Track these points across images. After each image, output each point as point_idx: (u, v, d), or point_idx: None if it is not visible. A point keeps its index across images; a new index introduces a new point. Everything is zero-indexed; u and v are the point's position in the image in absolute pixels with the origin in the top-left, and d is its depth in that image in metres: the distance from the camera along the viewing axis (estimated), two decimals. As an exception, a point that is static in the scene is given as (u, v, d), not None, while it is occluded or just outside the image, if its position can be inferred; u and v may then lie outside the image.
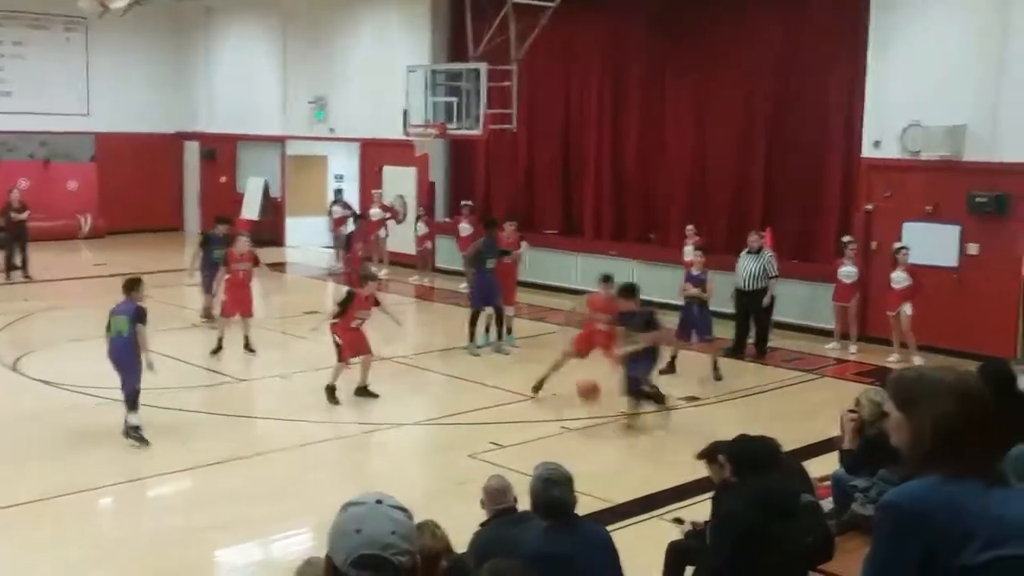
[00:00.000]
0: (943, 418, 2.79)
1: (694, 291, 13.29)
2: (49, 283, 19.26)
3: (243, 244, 14.33)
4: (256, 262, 14.33)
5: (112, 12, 21.75)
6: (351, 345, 11.76)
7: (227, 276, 14.04)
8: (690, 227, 16.44)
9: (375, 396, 11.85)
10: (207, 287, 15.55)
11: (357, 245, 17.69)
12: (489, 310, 14.61)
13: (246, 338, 14.07)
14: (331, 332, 11.88)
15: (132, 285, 10.22)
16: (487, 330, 14.68)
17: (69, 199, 25.12)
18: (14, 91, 24.81)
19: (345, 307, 11.80)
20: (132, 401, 10.05)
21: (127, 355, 9.95)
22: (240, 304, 14.02)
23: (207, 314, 15.80)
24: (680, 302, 13.69)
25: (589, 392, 10.76)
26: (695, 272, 13.52)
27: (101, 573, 7.66)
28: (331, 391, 11.71)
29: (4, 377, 12.72)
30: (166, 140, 27.17)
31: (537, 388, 12.05)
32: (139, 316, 9.96)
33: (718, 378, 12.99)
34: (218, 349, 13.83)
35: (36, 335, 15.26)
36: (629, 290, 11.48)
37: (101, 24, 24.35)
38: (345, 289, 13.66)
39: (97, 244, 24.64)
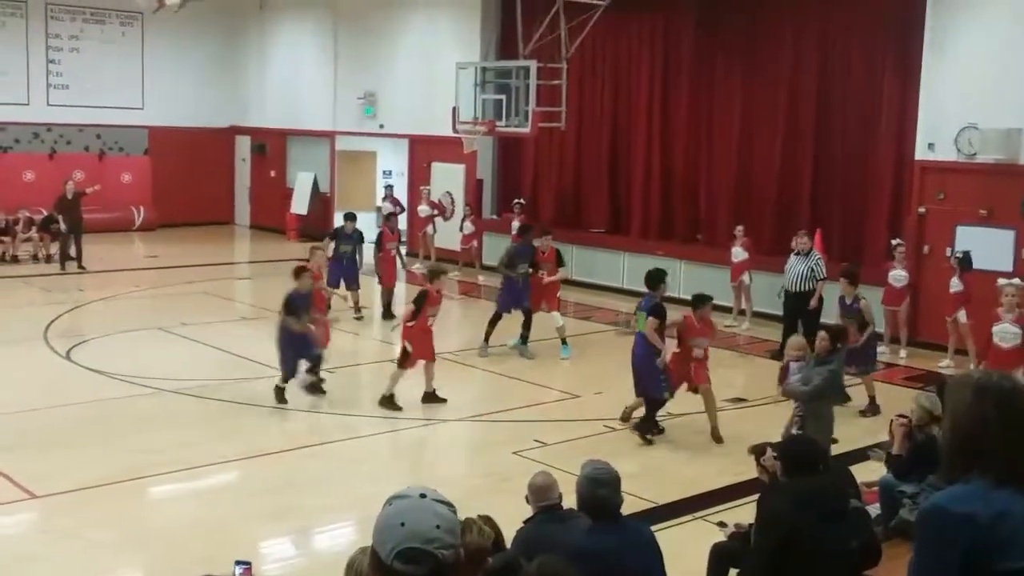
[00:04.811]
0: (962, 416, 2.77)
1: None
2: (103, 274, 19.54)
3: None
4: None
5: (167, 7, 22.00)
6: (422, 348, 11.27)
7: None
8: (739, 228, 16.34)
9: (443, 401, 11.47)
10: (332, 282, 15.23)
11: (389, 245, 16.76)
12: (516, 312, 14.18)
13: None
14: (403, 337, 11.26)
15: None
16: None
17: (123, 192, 25.43)
18: (71, 84, 25.18)
19: (420, 306, 11.19)
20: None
21: None
22: None
23: (357, 308, 16.00)
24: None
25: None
26: (848, 301, 11.97)
27: (146, 558, 7.80)
28: (390, 400, 11.22)
29: (58, 366, 12.92)
30: (218, 134, 27.44)
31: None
32: None
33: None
34: None
35: (89, 325, 15.49)
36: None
37: (156, 19, 24.65)
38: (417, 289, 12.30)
39: (149, 236, 24.95)
